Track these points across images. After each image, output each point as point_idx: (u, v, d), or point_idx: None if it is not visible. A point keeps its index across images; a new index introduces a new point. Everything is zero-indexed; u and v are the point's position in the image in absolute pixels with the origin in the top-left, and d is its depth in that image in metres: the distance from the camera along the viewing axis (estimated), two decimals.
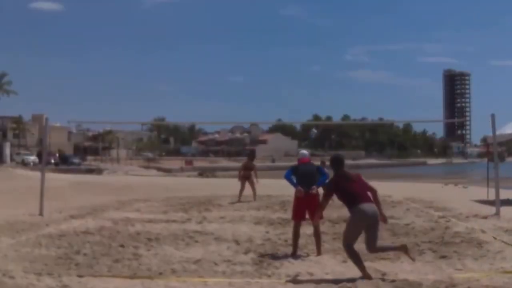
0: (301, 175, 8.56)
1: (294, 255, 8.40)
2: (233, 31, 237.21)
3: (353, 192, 6.83)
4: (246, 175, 17.96)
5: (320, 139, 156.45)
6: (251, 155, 19.40)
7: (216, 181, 34.30)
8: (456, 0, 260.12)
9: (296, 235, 8.57)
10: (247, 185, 17.86)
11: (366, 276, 6.70)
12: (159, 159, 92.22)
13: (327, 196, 7.19)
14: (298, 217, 8.65)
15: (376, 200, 6.88)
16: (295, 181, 8.57)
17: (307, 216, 8.65)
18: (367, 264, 7.69)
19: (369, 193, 6.91)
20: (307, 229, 11.28)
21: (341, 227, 11.51)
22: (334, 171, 7.21)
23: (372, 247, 6.77)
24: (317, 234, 8.64)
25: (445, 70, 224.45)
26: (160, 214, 14.11)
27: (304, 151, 9.38)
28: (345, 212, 14.21)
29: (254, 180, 17.93)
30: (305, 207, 8.52)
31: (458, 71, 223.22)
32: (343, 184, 6.96)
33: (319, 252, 8.53)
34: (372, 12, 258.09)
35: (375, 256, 8.22)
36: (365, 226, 6.72)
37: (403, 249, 6.94)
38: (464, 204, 16.02)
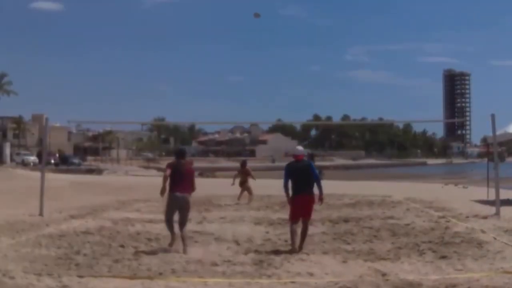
0: (296, 173, 8.82)
1: (293, 252, 8.49)
2: (233, 31, 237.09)
3: (175, 180, 8.71)
4: (243, 180, 18.37)
5: (320, 139, 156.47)
6: (244, 164, 19.57)
7: (216, 181, 34.25)
8: (456, 0, 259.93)
9: (293, 233, 8.77)
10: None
11: (171, 244, 8.78)
12: (159, 159, 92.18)
13: (165, 172, 8.88)
14: (294, 218, 8.88)
15: (189, 192, 8.88)
16: (289, 182, 8.84)
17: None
18: (368, 264, 7.72)
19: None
20: None
21: (341, 227, 11.57)
22: (175, 159, 9.10)
23: (181, 226, 8.82)
24: (304, 231, 8.87)
25: (445, 70, 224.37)
26: (160, 214, 14.02)
27: (300, 148, 9.62)
28: (345, 212, 14.29)
29: (251, 184, 18.17)
30: (301, 208, 8.80)
31: (458, 71, 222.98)
32: (174, 170, 8.77)
33: (301, 247, 8.68)
34: (372, 12, 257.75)
35: (375, 256, 8.25)
36: (176, 209, 8.83)
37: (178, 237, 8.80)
38: (464, 204, 16.02)
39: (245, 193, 17.77)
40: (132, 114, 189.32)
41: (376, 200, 17.95)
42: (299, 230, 8.86)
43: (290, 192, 8.85)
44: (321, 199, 8.90)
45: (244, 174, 18.31)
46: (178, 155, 9.17)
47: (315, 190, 8.88)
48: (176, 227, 8.85)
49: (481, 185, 23.92)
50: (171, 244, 8.84)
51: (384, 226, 11.59)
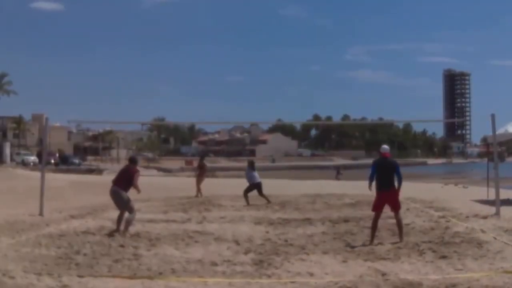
0: (382, 169, 9.62)
1: (371, 243, 9.22)
2: (233, 31, 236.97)
3: (116, 177, 10.98)
4: (196, 172, 20.65)
5: (320, 139, 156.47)
6: (202, 155, 22.15)
7: (216, 181, 34.24)
8: (456, 0, 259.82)
9: (374, 227, 9.56)
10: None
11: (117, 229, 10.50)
12: (159, 159, 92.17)
13: None
14: (377, 208, 9.68)
15: (120, 187, 10.65)
16: (374, 176, 9.64)
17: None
18: (368, 264, 7.72)
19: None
20: (307, 229, 11.33)
21: (341, 227, 11.57)
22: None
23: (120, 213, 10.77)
24: (399, 223, 9.67)
25: (445, 70, 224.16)
26: (160, 214, 14.12)
27: (386, 146, 10.09)
28: (345, 212, 14.29)
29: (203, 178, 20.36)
30: (385, 201, 9.64)
31: (458, 71, 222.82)
32: (121, 170, 11.29)
33: (401, 239, 9.48)
34: (372, 12, 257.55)
35: (375, 256, 8.25)
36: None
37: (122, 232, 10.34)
38: (464, 204, 16.01)
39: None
40: (132, 114, 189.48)
41: None
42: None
43: (374, 185, 9.63)
44: (398, 191, 9.76)
45: (202, 169, 20.38)
46: (129, 160, 11.66)
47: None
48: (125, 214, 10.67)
49: (481, 185, 23.92)
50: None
51: (384, 226, 11.56)
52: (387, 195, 9.61)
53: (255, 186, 17.32)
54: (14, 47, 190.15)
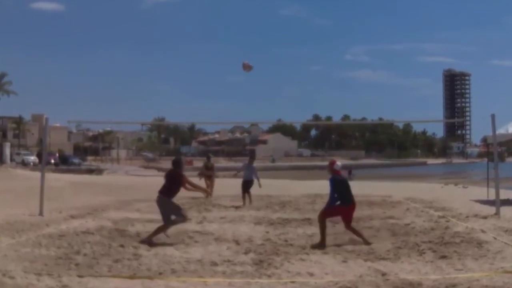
0: (344, 185, 9.68)
1: (367, 243, 9.26)
2: (233, 31, 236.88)
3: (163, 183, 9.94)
4: (207, 173, 20.44)
5: (320, 139, 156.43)
6: (208, 156, 22.43)
7: (216, 181, 34.17)
8: (456, 0, 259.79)
9: (325, 228, 9.43)
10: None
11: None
12: (159, 159, 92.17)
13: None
14: (332, 217, 9.85)
15: (161, 192, 9.88)
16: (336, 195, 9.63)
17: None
18: (368, 264, 7.73)
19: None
20: (307, 229, 11.32)
21: (341, 227, 11.55)
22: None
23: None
24: (356, 231, 9.65)
25: (445, 70, 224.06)
26: (160, 214, 14.10)
27: (340, 164, 10.11)
28: None
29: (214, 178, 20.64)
30: (349, 215, 9.63)
31: (458, 71, 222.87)
32: (165, 176, 10.21)
33: (366, 242, 9.36)
34: (372, 12, 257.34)
35: (375, 256, 8.26)
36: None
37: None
38: (464, 204, 16.01)
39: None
40: (132, 114, 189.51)
41: (376, 200, 17.93)
42: None
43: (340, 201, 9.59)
44: None
45: (209, 169, 20.55)
46: (174, 164, 10.31)
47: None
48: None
49: (481, 185, 23.92)
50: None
51: (384, 226, 11.60)
52: (351, 209, 9.68)
53: (251, 183, 17.19)
54: (14, 47, 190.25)
